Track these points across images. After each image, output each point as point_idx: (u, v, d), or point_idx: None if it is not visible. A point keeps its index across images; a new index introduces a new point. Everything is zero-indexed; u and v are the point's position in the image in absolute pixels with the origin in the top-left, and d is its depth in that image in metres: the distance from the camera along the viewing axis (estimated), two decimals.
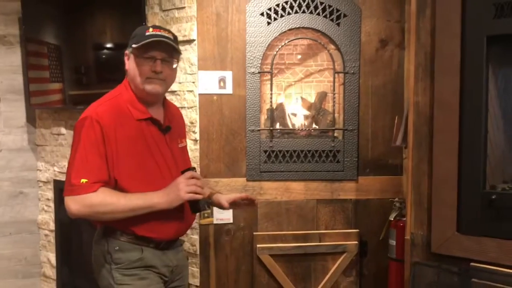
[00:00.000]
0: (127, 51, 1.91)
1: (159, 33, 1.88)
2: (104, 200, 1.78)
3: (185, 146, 2.15)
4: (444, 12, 2.06)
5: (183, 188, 1.84)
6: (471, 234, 2.02)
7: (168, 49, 1.89)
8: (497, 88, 2.15)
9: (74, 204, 1.78)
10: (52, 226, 3.64)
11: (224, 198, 2.10)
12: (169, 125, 1.99)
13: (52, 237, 3.65)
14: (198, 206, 1.92)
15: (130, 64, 1.90)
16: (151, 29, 1.90)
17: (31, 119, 3.71)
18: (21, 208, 3.72)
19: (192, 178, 1.87)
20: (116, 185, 1.83)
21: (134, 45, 1.87)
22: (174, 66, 1.94)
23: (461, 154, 2.04)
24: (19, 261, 3.73)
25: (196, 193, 1.86)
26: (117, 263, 1.89)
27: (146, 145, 1.89)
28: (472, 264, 2.01)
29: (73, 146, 1.83)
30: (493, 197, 1.97)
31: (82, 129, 1.80)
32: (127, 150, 1.84)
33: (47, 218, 3.67)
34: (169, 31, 1.95)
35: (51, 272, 3.69)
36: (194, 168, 1.95)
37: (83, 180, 1.76)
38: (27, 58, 3.56)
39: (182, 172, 1.91)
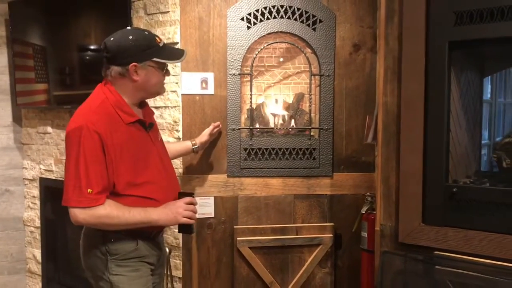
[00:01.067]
0: (137, 64, 1.93)
1: (176, 49, 2.11)
2: (110, 213, 1.87)
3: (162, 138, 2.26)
4: (410, 19, 2.14)
5: (181, 213, 2.00)
6: (435, 224, 2.13)
7: None
8: (460, 90, 2.27)
9: (82, 214, 1.85)
10: (37, 223, 3.70)
11: (204, 137, 2.71)
12: (151, 122, 2.10)
13: (37, 234, 3.71)
14: (189, 229, 2.09)
15: (146, 74, 1.96)
16: (157, 39, 1.99)
17: (17, 119, 3.76)
18: (7, 205, 3.77)
19: (190, 204, 2.04)
20: (113, 189, 1.91)
21: (160, 60, 1.97)
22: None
23: (426, 151, 2.14)
24: (5, 258, 3.78)
25: (191, 218, 2.03)
26: (113, 254, 1.96)
27: (135, 146, 1.98)
28: (435, 252, 2.12)
29: (72, 155, 1.85)
30: (454, 190, 2.08)
31: (81, 139, 1.83)
32: (122, 154, 1.91)
33: (33, 215, 3.73)
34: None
35: (37, 268, 3.75)
36: (193, 194, 2.10)
37: (89, 190, 1.83)
38: (14, 59, 3.62)
39: (181, 195, 2.08)
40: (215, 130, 2.77)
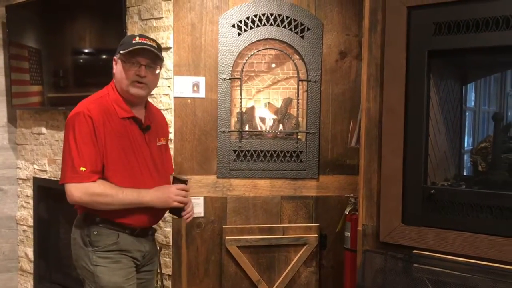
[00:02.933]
0: (115, 57, 2.09)
1: (144, 41, 2.07)
2: (104, 191, 1.98)
3: (165, 145, 2.32)
4: (392, 28, 2.23)
5: (173, 197, 2.11)
6: (414, 224, 2.21)
7: (151, 56, 2.08)
8: (439, 97, 2.36)
9: (77, 191, 1.97)
10: (30, 222, 3.75)
11: None
12: (149, 125, 2.18)
13: (30, 233, 3.76)
14: (178, 212, 2.19)
15: (117, 68, 2.09)
16: (137, 38, 2.09)
17: (12, 119, 3.81)
18: (0, 204, 3.81)
19: (183, 190, 2.14)
20: (103, 174, 2.02)
21: (121, 51, 2.06)
22: (157, 71, 2.14)
23: (406, 154, 2.22)
24: None
25: (181, 203, 2.13)
26: (95, 246, 2.06)
27: (129, 141, 2.08)
28: (414, 251, 2.20)
29: (68, 138, 1.99)
30: (432, 191, 2.17)
31: (75, 122, 1.97)
32: (113, 143, 2.03)
33: (26, 214, 3.78)
34: (154, 40, 2.14)
35: (28, 267, 3.79)
36: (186, 181, 2.19)
37: (82, 168, 1.95)
38: (10, 61, 3.67)
39: (175, 179, 2.19)
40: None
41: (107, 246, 2.07)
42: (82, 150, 1.96)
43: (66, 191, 1.99)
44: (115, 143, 2.04)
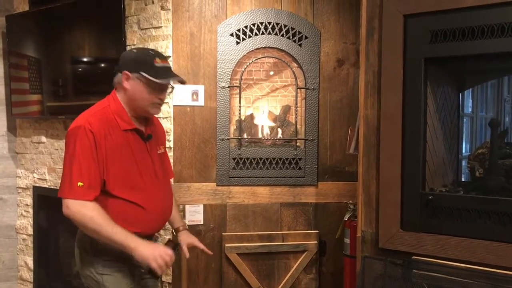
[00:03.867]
0: (129, 73, 2.02)
1: (167, 65, 2.07)
2: (95, 218, 1.94)
3: (164, 152, 2.33)
4: (389, 36, 2.26)
5: (157, 259, 1.97)
6: (412, 230, 2.23)
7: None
8: (436, 104, 2.38)
9: (72, 207, 1.95)
10: (30, 230, 3.75)
11: (190, 239, 2.35)
12: (150, 134, 2.19)
13: (30, 241, 3.76)
14: (155, 275, 2.05)
15: (135, 87, 2.03)
16: (158, 59, 2.04)
17: (11, 128, 3.83)
18: (0, 213, 3.81)
19: (169, 257, 2.02)
20: (104, 186, 2.01)
21: (147, 75, 2.00)
22: (169, 90, 2.16)
23: (404, 161, 2.24)
24: None
25: (161, 269, 2.00)
26: (100, 255, 2.06)
27: (131, 152, 2.08)
28: (413, 257, 2.22)
29: (68, 151, 1.98)
30: (430, 197, 2.19)
31: (77, 136, 1.96)
32: (114, 156, 2.02)
33: (25, 223, 3.78)
34: (167, 60, 2.12)
35: (28, 275, 3.79)
36: (179, 245, 2.17)
37: (80, 184, 1.93)
38: (10, 70, 3.69)
39: (169, 241, 2.14)
40: (203, 250, 2.41)
41: (112, 255, 2.06)
42: (81, 164, 1.95)
43: (63, 204, 1.98)
44: (117, 156, 2.04)
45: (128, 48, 3.05)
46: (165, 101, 2.86)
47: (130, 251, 1.99)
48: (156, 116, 2.32)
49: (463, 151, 3.28)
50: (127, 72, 2.03)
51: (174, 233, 2.39)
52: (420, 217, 2.23)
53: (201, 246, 2.38)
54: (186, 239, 2.35)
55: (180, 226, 2.39)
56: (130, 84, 2.05)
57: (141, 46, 3.00)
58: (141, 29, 3.01)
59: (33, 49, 3.62)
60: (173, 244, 2.15)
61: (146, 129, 2.17)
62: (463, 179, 2.75)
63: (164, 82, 2.05)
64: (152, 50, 2.17)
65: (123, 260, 2.09)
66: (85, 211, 1.95)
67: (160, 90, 2.07)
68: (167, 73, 2.07)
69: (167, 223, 2.36)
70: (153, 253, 1.99)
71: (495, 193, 2.20)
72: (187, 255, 2.32)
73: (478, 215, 2.11)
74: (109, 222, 1.97)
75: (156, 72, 2.02)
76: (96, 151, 1.98)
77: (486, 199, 2.12)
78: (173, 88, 2.20)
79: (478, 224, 2.11)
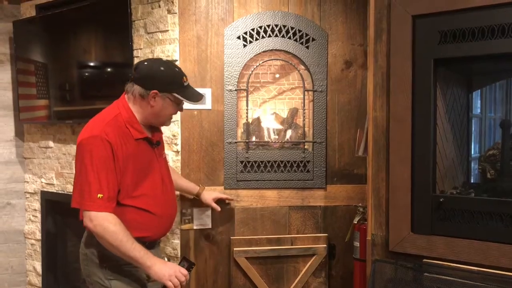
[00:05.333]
0: (158, 92, 2.07)
1: (188, 82, 2.17)
2: (117, 233, 1.94)
3: (165, 155, 2.39)
4: (397, 37, 2.25)
5: (173, 278, 2.00)
6: (423, 233, 2.21)
7: None
8: (446, 105, 2.37)
9: (95, 220, 1.94)
10: (38, 235, 3.76)
11: (213, 194, 2.81)
12: (159, 141, 2.23)
13: (38, 246, 3.77)
14: None
15: (161, 104, 2.10)
16: (185, 78, 2.14)
17: (19, 133, 3.85)
18: (8, 218, 3.84)
19: (184, 277, 2.04)
20: (118, 195, 2.02)
21: (181, 98, 2.11)
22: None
23: (414, 163, 2.23)
24: (6, 270, 3.83)
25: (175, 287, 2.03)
26: (108, 261, 2.07)
27: (142, 161, 2.11)
28: (424, 260, 2.20)
29: (84, 162, 1.96)
30: (441, 200, 2.18)
31: (93, 146, 1.95)
32: (128, 165, 2.04)
33: (34, 228, 3.79)
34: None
35: (37, 280, 3.80)
36: (193, 264, 2.16)
37: (100, 195, 1.93)
38: (17, 76, 3.71)
39: (184, 259, 2.13)
40: (227, 199, 2.90)
41: (120, 260, 2.06)
42: (99, 175, 1.94)
43: (84, 216, 1.98)
44: (131, 165, 2.05)
45: (135, 52, 3.06)
46: None
47: (145, 269, 2.01)
48: None
49: (473, 152, 3.25)
50: (157, 91, 2.07)
51: (198, 197, 2.77)
52: (431, 220, 2.22)
53: (224, 196, 2.86)
54: (210, 196, 2.79)
55: (198, 189, 2.77)
56: (157, 102, 2.09)
57: (148, 50, 3.01)
58: (148, 33, 3.01)
59: (40, 54, 3.63)
60: (188, 262, 2.13)
61: (153, 136, 2.20)
62: (473, 181, 2.72)
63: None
64: (174, 65, 2.19)
65: (131, 264, 2.08)
66: (107, 224, 1.95)
67: (181, 106, 2.18)
68: (193, 91, 2.18)
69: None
70: (168, 272, 2.00)
71: (508, 195, 2.18)
72: (218, 208, 2.79)
73: (491, 217, 2.09)
74: (129, 238, 1.97)
75: (187, 93, 2.13)
76: (114, 161, 1.98)
77: (498, 201, 2.09)
78: None
79: (491, 226, 2.09)
